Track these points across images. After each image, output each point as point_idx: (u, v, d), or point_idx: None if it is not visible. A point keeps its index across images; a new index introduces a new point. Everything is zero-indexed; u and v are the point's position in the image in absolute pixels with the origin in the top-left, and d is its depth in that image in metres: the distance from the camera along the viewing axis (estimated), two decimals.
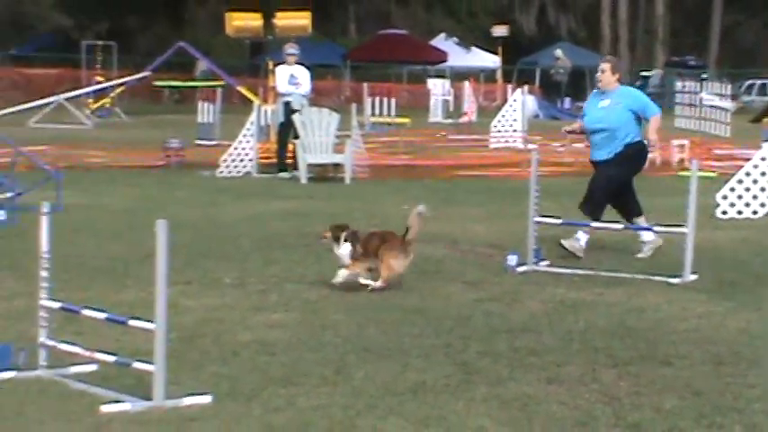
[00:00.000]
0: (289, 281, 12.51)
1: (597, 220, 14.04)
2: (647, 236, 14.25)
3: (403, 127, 37.75)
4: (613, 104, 14.13)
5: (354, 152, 23.81)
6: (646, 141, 14.48)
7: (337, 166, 23.45)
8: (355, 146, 24.06)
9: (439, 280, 12.79)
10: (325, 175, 23.33)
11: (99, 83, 43.06)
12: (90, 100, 40.49)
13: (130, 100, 45.28)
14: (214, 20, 53.02)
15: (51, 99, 33.65)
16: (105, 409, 7.79)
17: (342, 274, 11.93)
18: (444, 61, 61.85)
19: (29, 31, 74.68)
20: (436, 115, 46.85)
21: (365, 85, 42.23)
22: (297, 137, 23.47)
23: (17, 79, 57.93)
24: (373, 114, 38.84)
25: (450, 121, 44.19)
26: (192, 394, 8.03)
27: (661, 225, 13.98)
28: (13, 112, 26.56)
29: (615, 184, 14.24)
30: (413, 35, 65.20)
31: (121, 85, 40.98)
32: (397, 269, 11.92)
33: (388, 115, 39.38)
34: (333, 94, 52.95)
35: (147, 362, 7.98)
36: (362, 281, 11.94)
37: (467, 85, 44.67)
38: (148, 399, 7.88)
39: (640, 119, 14.32)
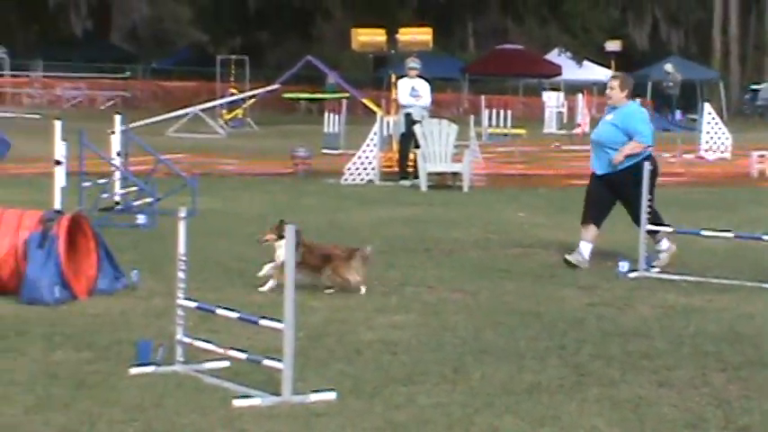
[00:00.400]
0: (409, 284, 12.54)
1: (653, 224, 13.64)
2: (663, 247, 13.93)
3: (519, 137, 37.74)
4: (611, 120, 13.97)
5: (472, 161, 23.84)
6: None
7: (456, 174, 23.45)
8: (473, 155, 24.10)
9: (553, 285, 12.76)
10: (444, 183, 23.34)
11: (232, 95, 43.47)
12: (224, 111, 40.87)
13: (261, 111, 45.58)
14: (340, 36, 53.26)
15: (188, 110, 34.03)
16: (237, 403, 7.88)
17: (266, 268, 11.93)
18: (558, 75, 61.61)
19: (168, 47, 75.56)
20: (551, 126, 46.72)
21: (482, 97, 42.24)
22: (417, 146, 23.52)
23: (157, 91, 58.66)
24: (490, 125, 38.88)
25: (563, 132, 44.03)
26: (318, 391, 8.10)
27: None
28: (152, 123, 26.86)
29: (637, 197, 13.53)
30: (528, 50, 65.01)
31: (253, 96, 41.32)
32: (353, 283, 11.87)
33: (505, 126, 39.39)
34: (452, 106, 52.96)
35: (276, 359, 8.06)
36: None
37: (580, 98, 44.49)
38: (277, 394, 7.95)
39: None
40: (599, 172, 14.04)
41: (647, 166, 13.45)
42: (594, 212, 13.98)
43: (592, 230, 13.93)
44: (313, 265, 11.78)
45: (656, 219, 13.77)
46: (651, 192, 13.54)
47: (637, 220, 13.61)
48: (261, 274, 11.87)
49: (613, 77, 14.25)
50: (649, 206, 13.46)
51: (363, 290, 11.78)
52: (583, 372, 8.96)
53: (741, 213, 18.50)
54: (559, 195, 22.69)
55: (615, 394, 8.34)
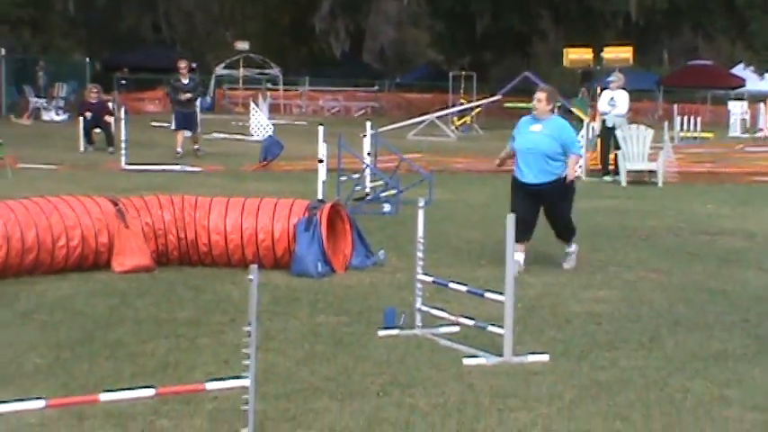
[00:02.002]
0: (611, 264, 12.43)
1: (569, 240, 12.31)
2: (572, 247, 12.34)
3: (707, 140, 36.96)
4: (544, 132, 11.90)
5: (666, 160, 23.48)
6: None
7: (651, 172, 23.09)
8: (667, 155, 23.74)
9: (738, 267, 12.49)
10: (641, 179, 22.99)
11: (462, 104, 43.54)
12: (455, 118, 40.94)
13: (486, 118, 45.55)
14: (553, 54, 52.91)
15: (425, 117, 34.17)
16: (466, 362, 7.94)
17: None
18: (742, 86, 60.17)
19: (410, 65, 76.11)
20: (735, 131, 45.59)
21: (675, 106, 41.48)
22: (618, 148, 23.32)
23: (400, 102, 59.08)
24: (682, 130, 38.13)
25: (747, 135, 42.97)
26: (534, 353, 8.11)
27: None
28: (396, 128, 27.12)
29: (569, 209, 12.31)
30: (716, 65, 63.61)
31: (479, 106, 41.28)
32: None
33: (695, 130, 38.59)
34: (648, 113, 51.91)
35: (498, 326, 8.10)
36: None
37: (761, 106, 43.35)
38: (499, 355, 7.99)
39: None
40: (534, 181, 11.84)
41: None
42: (528, 228, 11.70)
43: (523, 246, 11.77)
44: None
45: (571, 224, 12.33)
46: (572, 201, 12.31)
47: (560, 232, 12.28)
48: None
49: (541, 90, 12.30)
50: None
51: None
52: (764, 342, 8.77)
53: None
54: (743, 190, 22.17)
55: None
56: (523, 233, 11.19)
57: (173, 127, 28.76)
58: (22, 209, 10.88)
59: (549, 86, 13.20)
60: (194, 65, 64.07)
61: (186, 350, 8.13)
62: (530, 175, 11.88)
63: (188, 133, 27.68)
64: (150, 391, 5.78)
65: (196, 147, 27.64)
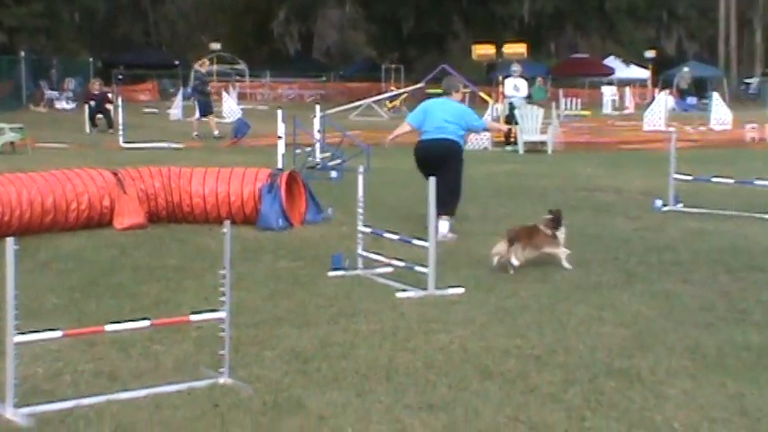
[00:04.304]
0: (512, 216, 12.40)
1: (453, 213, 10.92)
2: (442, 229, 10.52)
3: (585, 117, 37.17)
4: (450, 111, 11.08)
5: (554, 133, 23.61)
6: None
7: (543, 142, 23.22)
8: (554, 129, 23.87)
9: (609, 216, 12.59)
10: (535, 148, 23.09)
11: (392, 91, 43.36)
12: (387, 102, 40.78)
13: (412, 102, 45.45)
14: (464, 50, 52.81)
15: (363, 102, 33.99)
16: (398, 295, 7.94)
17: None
18: (612, 74, 60.63)
19: (350, 60, 75.77)
20: (607, 109, 45.96)
21: (560, 90, 41.66)
22: (517, 123, 23.42)
23: (343, 90, 58.74)
24: (566, 109, 38.31)
25: (616, 113, 43.30)
26: (452, 287, 8.12)
27: (762, 180, 13.43)
28: (340, 111, 27.01)
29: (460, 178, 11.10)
30: (592, 57, 64.01)
31: (406, 92, 41.15)
32: None
33: (576, 109, 38.79)
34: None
35: (423, 266, 8.10)
36: None
37: (627, 90, 43.71)
38: (425, 289, 8.00)
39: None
40: (436, 152, 10.96)
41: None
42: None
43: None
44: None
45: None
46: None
47: (442, 198, 9.22)
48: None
49: (450, 79, 11.91)
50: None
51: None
52: (631, 274, 8.85)
53: (739, 166, 18.01)
54: (614, 156, 22.36)
55: (653, 289, 8.23)
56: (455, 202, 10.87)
57: (199, 115, 26.66)
58: (41, 180, 10.91)
59: (454, 76, 13.08)
60: (177, 62, 63.70)
61: (174, 290, 8.07)
62: (442, 149, 11.01)
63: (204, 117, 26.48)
64: (146, 323, 5.73)
65: (197, 133, 26.40)
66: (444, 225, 10.61)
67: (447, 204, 10.48)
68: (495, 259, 8.87)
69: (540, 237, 9.10)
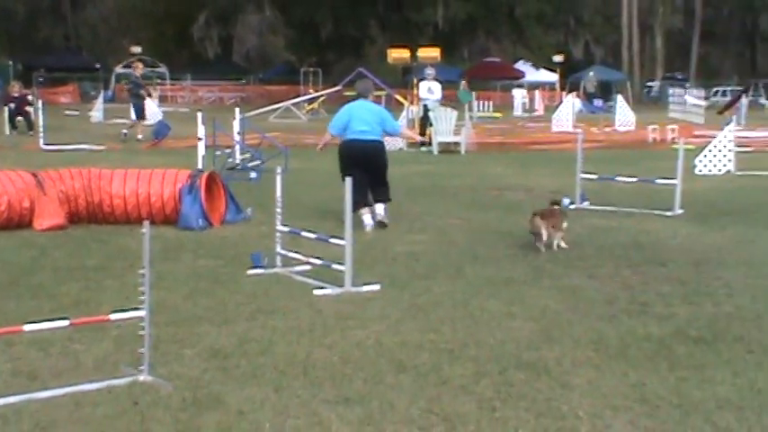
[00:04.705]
0: (426, 214, 12.54)
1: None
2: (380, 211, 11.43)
3: (497, 119, 37.54)
4: (372, 112, 11.57)
5: (467, 134, 23.77)
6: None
7: (456, 143, 23.38)
8: (467, 130, 24.04)
9: (520, 213, 12.63)
10: (449, 149, 23.25)
11: (310, 94, 43.28)
12: (305, 105, 40.69)
13: (329, 104, 45.43)
14: (380, 54, 52.90)
15: (282, 104, 33.87)
16: (316, 292, 7.92)
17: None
18: (523, 77, 61.31)
19: (270, 63, 75.39)
20: (518, 111, 46.48)
21: (473, 93, 41.96)
22: (431, 125, 23.52)
23: (262, 92, 58.49)
24: (479, 111, 38.64)
25: (527, 115, 43.81)
26: (368, 284, 8.12)
27: (662, 178, 13.71)
28: (260, 113, 26.87)
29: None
30: (503, 61, 64.66)
31: (324, 95, 41.11)
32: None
33: (488, 111, 39.15)
34: (453, 99, 52.59)
35: (340, 264, 8.09)
36: None
37: (537, 93, 44.26)
38: (341, 286, 7.99)
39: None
40: (366, 151, 11.48)
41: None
42: (363, 195, 11.03)
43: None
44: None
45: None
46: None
47: (379, 190, 11.44)
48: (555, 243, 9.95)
49: (366, 83, 12.33)
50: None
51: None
52: (539, 269, 8.95)
53: (641, 166, 18.36)
54: (523, 156, 22.60)
55: (560, 284, 8.33)
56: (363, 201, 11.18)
57: (135, 118, 26.23)
58: None
59: (367, 80, 13.30)
60: (98, 65, 62.74)
61: (95, 290, 7.94)
62: (369, 149, 11.51)
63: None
64: (65, 322, 5.61)
65: (125, 132, 25.87)
66: (380, 207, 11.48)
67: (385, 193, 11.58)
68: (545, 234, 9.80)
69: (558, 218, 10.09)
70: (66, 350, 6.15)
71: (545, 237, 9.80)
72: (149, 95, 27.35)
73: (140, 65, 27.55)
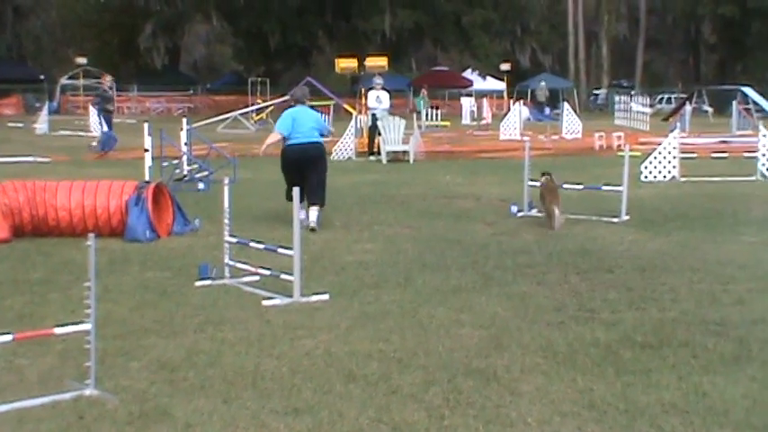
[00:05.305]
0: (375, 223, 12.55)
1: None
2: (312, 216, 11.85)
3: (445, 127, 37.68)
4: (311, 118, 12.08)
5: (415, 143, 23.83)
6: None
7: (405, 152, 23.42)
8: (416, 139, 24.09)
9: (468, 222, 12.78)
10: (397, 158, 23.29)
11: (259, 104, 43.11)
12: (253, 115, 40.54)
13: (278, 114, 45.34)
14: (328, 63, 52.88)
15: (230, 114, 33.67)
16: (264, 303, 7.89)
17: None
18: (470, 86, 61.61)
19: (217, 74, 75.04)
20: (466, 119, 46.67)
21: (421, 102, 42.13)
22: (380, 134, 23.54)
23: (210, 103, 58.25)
24: (427, 119, 38.77)
25: (475, 123, 44.03)
26: (317, 293, 8.12)
27: (609, 185, 13.85)
28: (207, 123, 26.68)
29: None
30: (451, 70, 64.98)
31: (272, 105, 40.98)
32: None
33: (437, 120, 39.29)
34: (402, 108, 52.66)
35: (289, 274, 8.07)
36: None
37: (485, 101, 44.45)
38: (290, 296, 7.97)
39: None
40: (311, 154, 11.93)
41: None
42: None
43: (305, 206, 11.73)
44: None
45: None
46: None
47: (316, 192, 11.86)
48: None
49: (304, 91, 12.61)
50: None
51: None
52: (488, 277, 8.99)
53: (588, 173, 18.55)
54: (472, 164, 22.70)
55: (509, 291, 8.38)
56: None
57: (106, 129, 25.46)
58: None
59: (303, 87, 13.41)
60: (42, 76, 61.96)
61: (39, 304, 7.84)
62: (312, 150, 12.00)
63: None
64: (8, 337, 5.53)
65: (95, 144, 25.58)
66: (314, 213, 11.84)
67: (320, 196, 11.92)
68: (557, 211, 11.55)
69: (556, 190, 11.79)
70: (10, 365, 6.06)
71: (558, 213, 11.30)
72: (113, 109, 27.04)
73: (107, 77, 27.24)
